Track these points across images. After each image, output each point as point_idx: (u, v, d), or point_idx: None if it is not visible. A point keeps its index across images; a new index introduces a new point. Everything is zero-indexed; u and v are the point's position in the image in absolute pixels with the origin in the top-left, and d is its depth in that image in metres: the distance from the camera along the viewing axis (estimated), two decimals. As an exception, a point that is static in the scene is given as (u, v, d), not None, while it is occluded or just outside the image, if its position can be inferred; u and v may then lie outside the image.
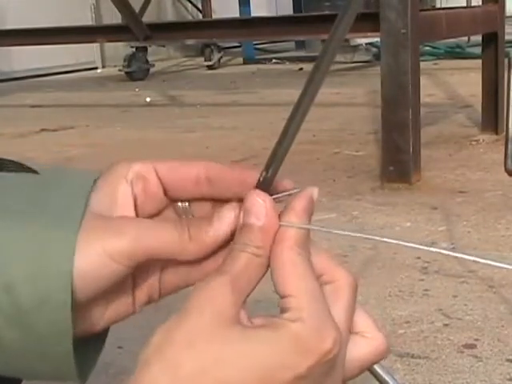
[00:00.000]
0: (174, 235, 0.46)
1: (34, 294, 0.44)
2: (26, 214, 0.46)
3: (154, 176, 0.50)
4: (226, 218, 0.46)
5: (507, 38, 2.79)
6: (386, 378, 0.44)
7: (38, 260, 0.44)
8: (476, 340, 1.18)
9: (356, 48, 5.36)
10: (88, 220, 0.46)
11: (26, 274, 0.44)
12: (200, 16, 6.76)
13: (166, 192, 0.50)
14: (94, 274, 0.45)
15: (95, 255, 0.45)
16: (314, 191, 0.47)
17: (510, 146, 0.84)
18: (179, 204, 0.51)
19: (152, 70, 5.39)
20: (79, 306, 0.46)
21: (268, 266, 0.44)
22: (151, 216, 0.50)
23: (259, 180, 0.45)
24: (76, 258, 0.44)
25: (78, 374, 0.47)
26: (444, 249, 0.42)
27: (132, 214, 0.49)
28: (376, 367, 0.44)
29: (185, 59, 6.76)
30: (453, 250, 1.55)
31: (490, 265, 0.41)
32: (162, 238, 0.46)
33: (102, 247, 0.45)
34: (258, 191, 0.45)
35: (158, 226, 0.47)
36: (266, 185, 0.45)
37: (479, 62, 2.71)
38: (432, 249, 0.43)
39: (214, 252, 0.47)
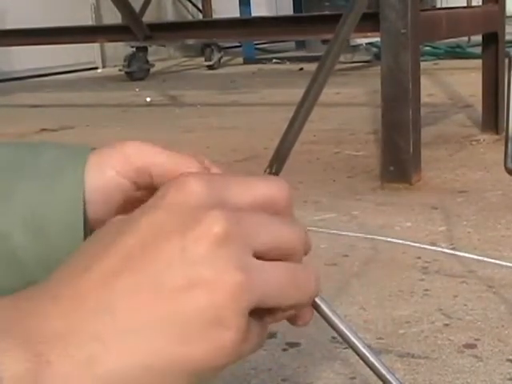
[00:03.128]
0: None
1: (49, 201, 0.47)
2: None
3: (142, 162, 0.50)
4: None
5: (507, 37, 2.79)
6: (330, 314, 0.43)
7: (53, 176, 0.48)
8: (476, 340, 1.18)
9: (356, 48, 5.36)
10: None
11: (41, 187, 0.47)
12: (200, 16, 6.76)
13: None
14: (102, 191, 0.48)
15: (103, 171, 0.48)
16: None
17: (510, 146, 0.84)
18: None
19: (152, 69, 5.39)
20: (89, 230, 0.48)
21: None
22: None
23: None
24: (87, 175, 0.47)
25: None
26: (444, 249, 0.42)
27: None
28: (318, 301, 0.43)
29: (185, 59, 6.76)
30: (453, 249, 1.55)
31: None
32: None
33: (109, 164, 0.48)
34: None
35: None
36: None
37: (479, 61, 2.71)
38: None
39: None
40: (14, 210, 0.47)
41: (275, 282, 0.38)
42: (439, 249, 1.57)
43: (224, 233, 0.36)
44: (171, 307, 0.35)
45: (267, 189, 0.41)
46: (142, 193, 0.48)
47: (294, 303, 0.39)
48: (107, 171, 0.48)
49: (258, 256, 0.38)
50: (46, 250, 0.48)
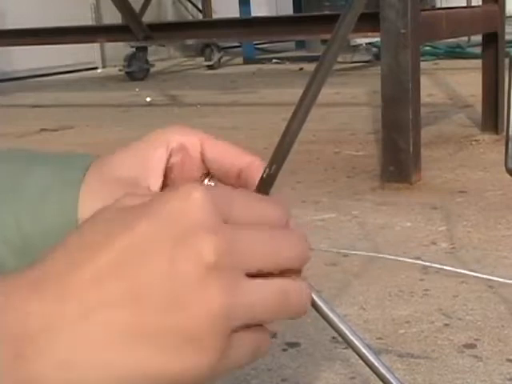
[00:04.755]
0: None
1: (38, 226, 0.47)
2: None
3: (197, 153, 0.50)
4: None
5: (507, 37, 2.79)
6: (326, 310, 0.43)
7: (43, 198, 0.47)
8: (476, 340, 1.18)
9: (356, 48, 5.36)
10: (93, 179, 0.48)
11: (32, 209, 0.47)
12: (200, 16, 6.76)
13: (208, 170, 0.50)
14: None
15: (101, 198, 0.46)
16: None
17: (510, 146, 0.84)
18: (205, 182, 0.50)
19: (152, 69, 5.38)
20: None
21: None
22: None
23: (262, 177, 0.45)
24: (80, 199, 0.47)
25: None
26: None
27: (160, 179, 0.50)
28: (318, 301, 0.43)
29: (185, 59, 6.76)
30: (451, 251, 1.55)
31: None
32: None
33: (110, 192, 0.47)
34: None
35: None
36: (269, 181, 0.45)
37: (479, 61, 2.71)
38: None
39: None
40: (2, 234, 0.47)
41: (264, 303, 0.38)
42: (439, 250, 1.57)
43: (214, 261, 0.35)
44: (151, 320, 0.35)
45: (270, 209, 0.40)
46: None
47: (285, 318, 0.39)
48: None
49: (252, 273, 0.37)
50: None
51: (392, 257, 1.54)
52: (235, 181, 0.49)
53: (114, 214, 0.38)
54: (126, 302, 0.35)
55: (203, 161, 0.50)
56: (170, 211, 0.37)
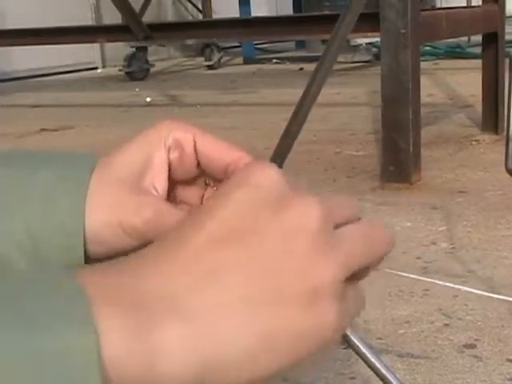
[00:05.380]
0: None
1: (48, 224, 0.46)
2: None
3: (191, 148, 0.50)
4: None
5: (507, 37, 2.79)
6: (361, 346, 0.44)
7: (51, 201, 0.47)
8: (476, 340, 1.18)
9: (356, 48, 5.36)
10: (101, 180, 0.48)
11: (39, 209, 0.46)
12: (200, 16, 6.75)
13: (198, 163, 0.51)
14: (102, 236, 0.47)
15: (108, 221, 0.47)
16: None
17: (510, 146, 0.84)
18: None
19: (152, 69, 5.38)
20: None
21: None
22: (185, 182, 0.52)
23: None
24: (87, 216, 0.47)
25: None
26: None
27: (165, 178, 0.50)
28: (350, 335, 0.44)
29: (185, 59, 6.76)
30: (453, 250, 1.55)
31: None
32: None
33: (117, 219, 0.47)
34: None
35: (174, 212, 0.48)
36: None
37: (479, 62, 2.71)
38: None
39: None
40: (11, 235, 0.46)
41: (359, 248, 0.40)
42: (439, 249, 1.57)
43: (322, 218, 0.37)
44: (274, 284, 0.35)
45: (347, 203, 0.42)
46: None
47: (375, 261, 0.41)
48: (112, 225, 0.48)
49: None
50: None
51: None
52: (222, 175, 0.49)
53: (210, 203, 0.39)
54: (253, 264, 0.35)
55: (196, 156, 0.50)
56: (257, 183, 0.38)
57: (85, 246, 0.47)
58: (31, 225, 0.47)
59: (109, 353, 0.31)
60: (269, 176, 0.38)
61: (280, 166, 0.45)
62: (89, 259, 0.48)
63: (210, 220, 0.36)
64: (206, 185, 0.52)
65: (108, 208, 0.47)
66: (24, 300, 0.31)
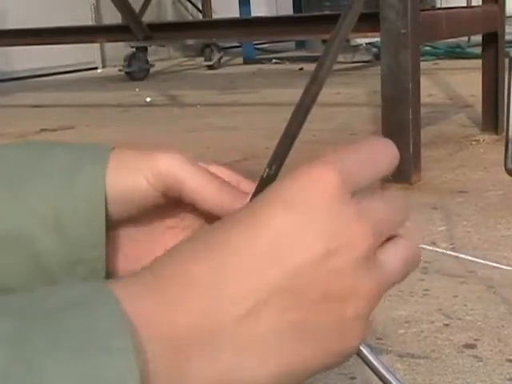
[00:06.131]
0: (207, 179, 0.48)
1: (69, 199, 0.46)
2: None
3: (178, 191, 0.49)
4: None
5: (507, 38, 2.79)
6: (375, 362, 0.44)
7: (73, 169, 0.47)
8: (476, 340, 1.18)
9: (356, 48, 5.36)
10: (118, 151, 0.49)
11: (59, 185, 0.46)
12: (200, 16, 6.75)
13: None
14: (126, 192, 0.47)
15: (129, 172, 0.47)
16: None
17: (510, 146, 0.84)
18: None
19: (152, 69, 5.39)
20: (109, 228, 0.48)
21: None
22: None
23: (262, 177, 0.45)
24: (109, 174, 0.47)
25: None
26: (444, 249, 0.43)
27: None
28: (364, 349, 0.44)
29: (185, 59, 6.76)
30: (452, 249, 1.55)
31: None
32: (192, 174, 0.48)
33: (137, 166, 0.47)
34: None
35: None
36: (269, 181, 0.45)
37: (479, 62, 2.71)
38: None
39: None
40: (32, 210, 0.46)
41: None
42: (440, 250, 1.57)
43: (367, 250, 0.38)
44: (311, 312, 0.36)
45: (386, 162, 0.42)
46: (166, 200, 0.48)
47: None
48: (136, 177, 0.47)
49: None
50: (67, 249, 0.46)
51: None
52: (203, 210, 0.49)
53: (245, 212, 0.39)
54: (284, 291, 0.35)
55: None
56: (308, 201, 0.38)
57: (106, 210, 0.47)
58: (52, 199, 0.46)
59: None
60: (325, 189, 0.40)
61: (280, 166, 0.45)
62: (111, 222, 0.48)
63: (259, 233, 0.36)
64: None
65: (130, 166, 0.47)
66: (69, 332, 0.30)
